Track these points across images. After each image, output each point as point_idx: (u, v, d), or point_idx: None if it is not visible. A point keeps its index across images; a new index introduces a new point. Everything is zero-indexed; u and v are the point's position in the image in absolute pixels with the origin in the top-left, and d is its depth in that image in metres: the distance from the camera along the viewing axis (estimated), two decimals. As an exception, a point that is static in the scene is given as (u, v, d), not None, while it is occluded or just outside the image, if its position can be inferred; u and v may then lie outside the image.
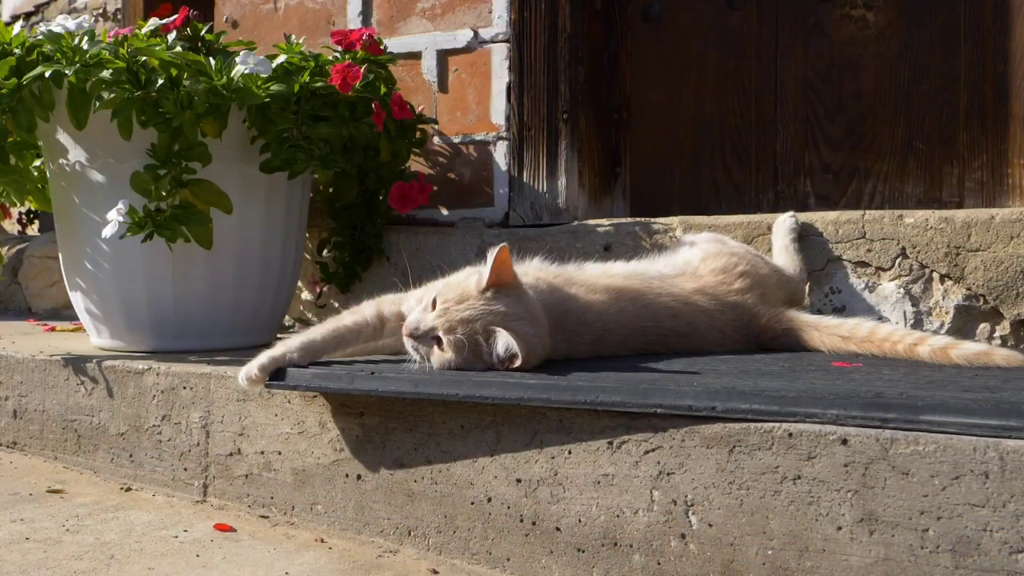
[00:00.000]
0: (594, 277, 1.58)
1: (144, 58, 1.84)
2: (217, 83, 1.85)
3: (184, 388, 1.68)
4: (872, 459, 1.03)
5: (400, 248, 2.40)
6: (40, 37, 1.89)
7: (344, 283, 2.42)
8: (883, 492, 1.02)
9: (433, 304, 1.39)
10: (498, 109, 2.32)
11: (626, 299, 1.55)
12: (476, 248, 2.23)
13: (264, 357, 1.44)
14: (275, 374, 1.44)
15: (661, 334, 1.57)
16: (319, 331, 1.50)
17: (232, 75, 1.87)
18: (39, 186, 2.25)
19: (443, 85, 2.41)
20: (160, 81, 1.82)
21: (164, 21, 2.00)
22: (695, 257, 1.72)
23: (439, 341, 1.36)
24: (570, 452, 1.23)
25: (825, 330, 1.61)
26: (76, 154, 1.98)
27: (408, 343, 1.39)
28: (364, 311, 1.53)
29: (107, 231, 1.82)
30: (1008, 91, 2.03)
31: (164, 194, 1.84)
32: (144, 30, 1.97)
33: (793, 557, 1.07)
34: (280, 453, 1.53)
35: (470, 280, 1.39)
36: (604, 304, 1.53)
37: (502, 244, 1.36)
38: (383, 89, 2.17)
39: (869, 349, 1.54)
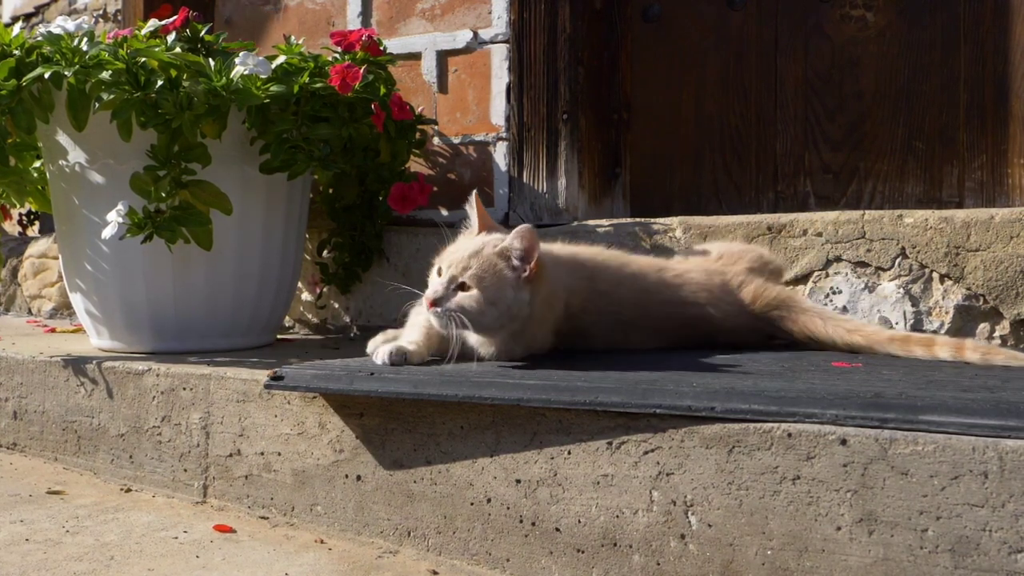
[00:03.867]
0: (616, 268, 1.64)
1: (144, 59, 1.84)
2: (216, 84, 1.85)
3: (184, 389, 1.68)
4: (871, 459, 1.03)
5: (400, 249, 2.40)
6: (40, 38, 1.89)
7: (344, 284, 2.42)
8: (882, 492, 1.02)
9: (440, 273, 1.45)
10: (498, 110, 2.32)
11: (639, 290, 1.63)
12: (476, 249, 2.23)
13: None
14: (274, 375, 1.45)
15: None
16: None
17: (231, 76, 1.87)
18: (39, 187, 2.25)
19: (443, 86, 2.41)
20: (160, 82, 1.82)
21: (164, 22, 2.00)
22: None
23: (462, 286, 1.40)
24: (569, 452, 1.23)
25: (819, 315, 1.66)
26: (76, 155, 1.98)
27: (433, 314, 1.41)
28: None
29: (107, 232, 1.82)
30: (1008, 91, 2.03)
31: (164, 195, 1.84)
32: (144, 31, 1.97)
33: (792, 557, 1.07)
34: (280, 454, 1.53)
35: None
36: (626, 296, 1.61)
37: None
38: (383, 90, 2.17)
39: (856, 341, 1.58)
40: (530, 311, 1.44)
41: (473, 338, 1.47)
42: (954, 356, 1.47)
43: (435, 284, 1.43)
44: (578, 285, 1.56)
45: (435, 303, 1.41)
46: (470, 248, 1.44)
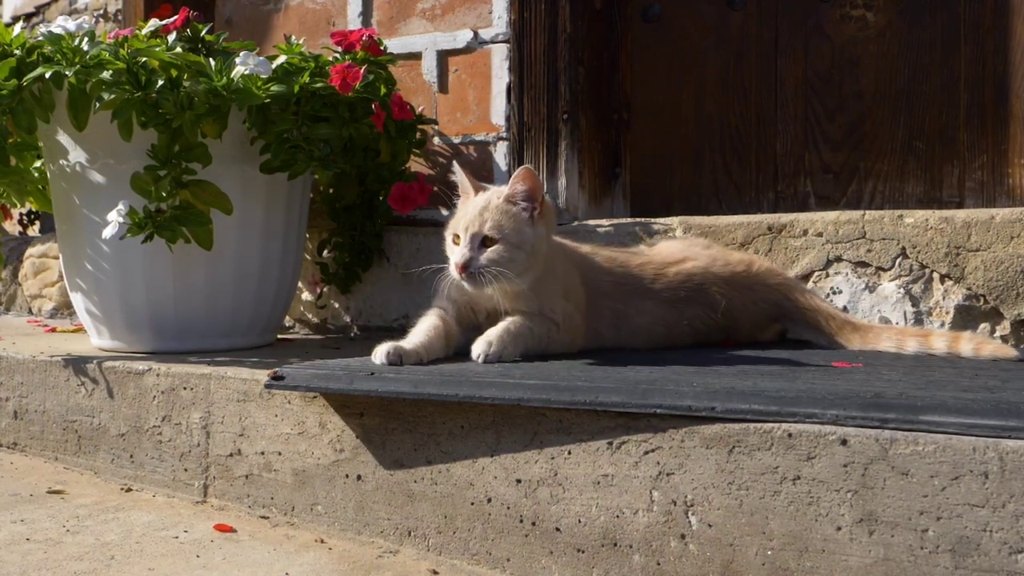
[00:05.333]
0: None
1: (144, 59, 1.84)
2: (217, 84, 1.85)
3: (184, 389, 1.68)
4: (872, 459, 1.03)
5: (400, 249, 2.40)
6: (40, 38, 1.89)
7: (344, 284, 2.42)
8: (883, 492, 1.02)
9: (455, 240, 1.52)
10: (498, 109, 2.32)
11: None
12: (476, 248, 2.23)
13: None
14: (275, 375, 1.45)
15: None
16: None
17: (232, 76, 1.87)
18: (40, 187, 2.25)
19: (443, 86, 2.41)
20: (160, 82, 1.82)
21: (164, 22, 2.00)
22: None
23: (484, 240, 1.47)
24: (570, 452, 1.23)
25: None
26: (76, 155, 1.99)
27: (466, 278, 1.47)
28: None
29: (107, 232, 1.82)
30: (1008, 91, 2.03)
31: (164, 195, 1.84)
32: (144, 31, 1.97)
33: (793, 557, 1.07)
34: (280, 454, 1.53)
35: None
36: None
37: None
38: (383, 90, 2.17)
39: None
40: (545, 247, 1.54)
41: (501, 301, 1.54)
42: (949, 348, 1.52)
43: (459, 250, 1.49)
44: (574, 254, 1.68)
45: (465, 267, 1.47)
46: (478, 206, 1.51)
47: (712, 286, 1.69)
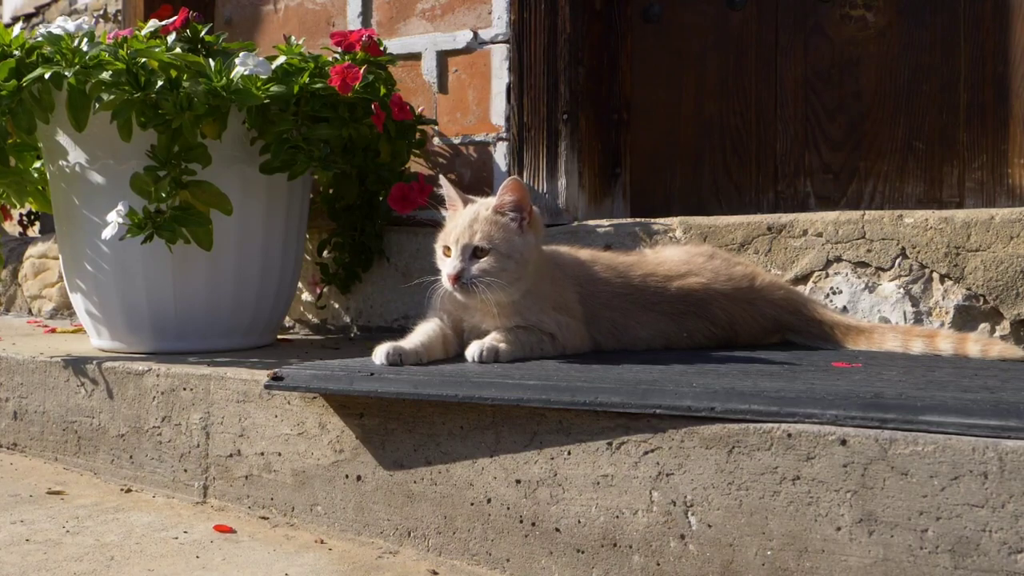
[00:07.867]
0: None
1: (144, 59, 1.84)
2: (217, 84, 1.85)
3: (184, 389, 1.68)
4: (871, 459, 1.03)
5: (400, 249, 2.40)
6: (40, 39, 1.89)
7: (344, 284, 2.42)
8: (882, 492, 1.02)
9: (446, 252, 1.52)
10: (498, 110, 2.32)
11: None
12: (476, 249, 2.23)
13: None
14: (275, 376, 1.45)
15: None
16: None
17: (232, 76, 1.87)
18: (39, 188, 2.25)
19: (443, 86, 2.41)
20: (160, 82, 1.82)
21: (164, 22, 2.01)
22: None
23: (475, 251, 1.48)
24: (569, 453, 1.23)
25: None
26: (76, 156, 1.99)
27: (458, 288, 1.48)
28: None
29: (107, 232, 1.83)
30: (1008, 91, 2.03)
31: (164, 195, 1.85)
32: (144, 31, 1.97)
33: (792, 557, 1.07)
34: (280, 454, 1.53)
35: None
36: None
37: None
38: (383, 90, 2.17)
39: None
40: (535, 256, 1.54)
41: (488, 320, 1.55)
42: (956, 349, 1.51)
43: (450, 262, 1.50)
44: (570, 264, 1.67)
45: (457, 278, 1.48)
46: (467, 217, 1.52)
47: (714, 302, 1.68)
